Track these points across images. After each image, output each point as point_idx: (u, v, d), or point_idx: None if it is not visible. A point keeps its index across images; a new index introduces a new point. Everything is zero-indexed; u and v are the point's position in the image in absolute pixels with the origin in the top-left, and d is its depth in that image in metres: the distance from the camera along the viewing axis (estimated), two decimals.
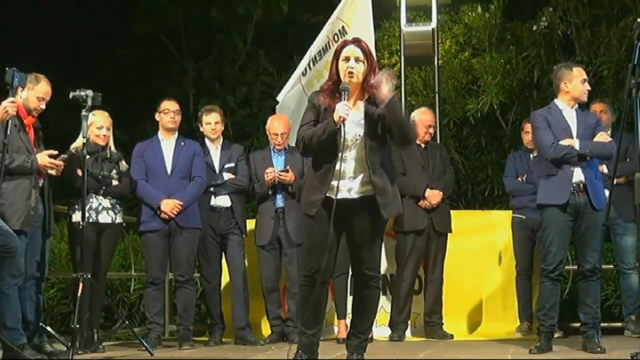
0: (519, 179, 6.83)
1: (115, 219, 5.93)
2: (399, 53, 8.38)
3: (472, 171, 9.55)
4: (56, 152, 5.27)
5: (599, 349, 5.15)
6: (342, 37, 7.11)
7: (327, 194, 4.27)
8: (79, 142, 5.61)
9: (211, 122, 6.49)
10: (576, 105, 5.43)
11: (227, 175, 6.44)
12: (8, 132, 4.89)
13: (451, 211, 6.75)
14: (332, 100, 4.30)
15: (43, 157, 5.20)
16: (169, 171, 6.20)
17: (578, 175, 5.29)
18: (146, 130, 9.16)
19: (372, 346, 5.16)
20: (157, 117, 6.35)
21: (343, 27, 7.39)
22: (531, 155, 6.84)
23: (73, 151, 5.74)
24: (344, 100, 4.22)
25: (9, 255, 4.85)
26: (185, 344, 6.07)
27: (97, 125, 5.88)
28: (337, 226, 4.23)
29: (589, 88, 5.46)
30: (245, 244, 6.57)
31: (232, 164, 6.48)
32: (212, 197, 6.39)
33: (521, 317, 6.67)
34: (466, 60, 9.86)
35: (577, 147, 5.27)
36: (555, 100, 5.48)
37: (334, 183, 4.26)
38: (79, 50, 11.41)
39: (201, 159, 6.31)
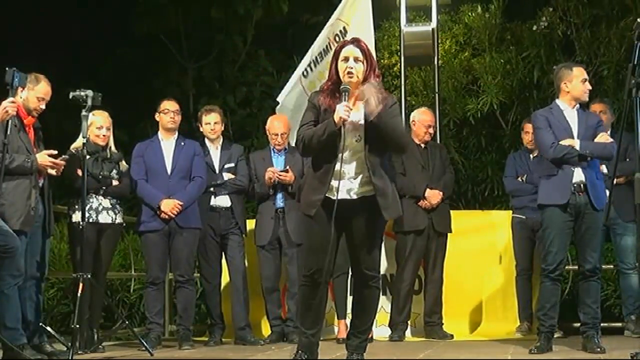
0: (519, 179, 6.83)
1: (116, 219, 5.93)
2: (399, 53, 8.38)
3: (472, 171, 9.55)
4: (56, 152, 5.27)
5: (598, 349, 5.15)
6: (343, 38, 7.11)
7: (327, 195, 4.27)
8: (79, 142, 5.61)
9: (211, 122, 6.49)
10: (577, 105, 5.43)
11: (227, 176, 6.44)
12: (8, 132, 4.89)
13: (451, 211, 6.76)
14: (332, 101, 4.30)
15: (43, 157, 5.20)
16: (169, 171, 6.20)
17: (578, 175, 5.29)
18: (146, 130, 9.15)
19: (372, 346, 5.16)
20: (157, 117, 6.35)
21: (344, 27, 7.39)
22: (531, 156, 6.84)
23: (73, 151, 5.75)
24: (345, 101, 4.22)
25: (9, 255, 4.85)
26: (185, 344, 6.07)
27: (97, 125, 5.88)
28: (336, 226, 4.23)
29: (590, 88, 5.46)
30: (245, 244, 6.57)
31: (232, 164, 6.48)
32: (212, 197, 6.39)
33: (521, 317, 6.67)
34: (466, 60, 9.86)
35: (577, 147, 5.28)
36: (557, 101, 5.48)
37: (334, 183, 4.26)
38: (79, 50, 11.41)
39: (201, 159, 6.31)
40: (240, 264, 6.45)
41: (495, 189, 9.19)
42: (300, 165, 6.30)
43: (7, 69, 4.95)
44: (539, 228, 6.31)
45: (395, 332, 6.44)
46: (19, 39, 11.07)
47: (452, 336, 6.44)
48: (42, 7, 11.34)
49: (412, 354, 5.53)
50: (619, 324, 6.72)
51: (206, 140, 6.54)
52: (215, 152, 6.51)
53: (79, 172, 5.50)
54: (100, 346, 5.84)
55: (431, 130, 6.71)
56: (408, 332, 6.62)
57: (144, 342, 5.59)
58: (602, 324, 5.50)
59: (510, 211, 6.93)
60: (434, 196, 6.48)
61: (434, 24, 7.93)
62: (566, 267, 6.15)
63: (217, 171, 6.45)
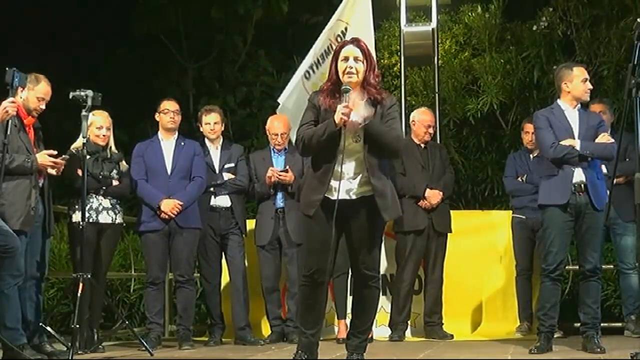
0: (519, 179, 6.83)
1: (116, 219, 5.93)
2: (399, 53, 8.38)
3: (472, 171, 9.55)
4: (56, 153, 5.27)
5: (598, 349, 5.15)
6: (344, 39, 7.11)
7: (326, 195, 4.28)
8: (79, 142, 5.62)
9: (210, 122, 6.49)
10: (579, 105, 5.43)
11: (227, 176, 6.45)
12: (8, 132, 4.89)
13: (451, 211, 6.76)
14: (332, 101, 4.30)
15: (43, 157, 5.20)
16: (169, 171, 6.20)
17: (579, 175, 5.29)
18: (146, 130, 9.15)
19: (372, 346, 5.16)
20: (157, 117, 6.35)
21: (346, 27, 7.39)
22: (531, 156, 6.84)
23: (73, 151, 5.75)
24: (346, 101, 4.22)
25: (9, 255, 4.85)
26: (185, 344, 6.07)
27: (97, 125, 5.88)
28: (336, 227, 4.23)
29: (591, 87, 5.46)
30: (245, 244, 6.57)
31: (232, 164, 6.49)
32: (212, 197, 6.39)
33: (521, 317, 6.67)
34: (466, 60, 9.86)
35: (577, 147, 5.28)
36: (558, 101, 5.49)
37: (333, 184, 4.26)
38: (79, 50, 11.41)
39: (201, 159, 6.31)
40: (240, 264, 6.45)
41: (495, 189, 9.18)
42: (300, 165, 6.30)
43: (7, 69, 4.95)
44: (539, 228, 6.33)
45: (395, 332, 6.44)
46: (19, 39, 11.07)
47: (452, 336, 6.44)
48: (42, 7, 11.35)
49: (412, 354, 5.53)
50: (619, 324, 6.72)
51: (206, 140, 6.54)
52: (215, 152, 6.51)
53: (79, 172, 5.50)
54: (100, 346, 5.83)
55: (431, 130, 6.71)
56: (408, 332, 6.62)
57: (144, 342, 5.59)
58: (602, 324, 5.50)
59: (510, 211, 6.93)
60: (434, 196, 6.48)
61: (434, 24, 7.93)
62: (566, 267, 6.15)
63: (217, 171, 6.45)
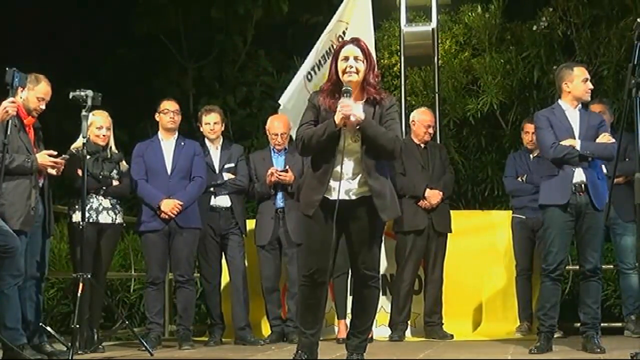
0: (519, 179, 6.83)
1: (116, 219, 5.93)
2: (399, 53, 8.38)
3: (472, 171, 9.55)
4: (55, 153, 5.27)
5: (598, 350, 5.15)
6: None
7: (325, 195, 4.28)
8: (79, 142, 5.62)
9: (210, 122, 6.49)
10: (579, 105, 5.43)
11: (227, 176, 6.45)
12: (8, 132, 4.89)
13: (451, 211, 6.76)
14: (332, 101, 4.30)
15: (43, 157, 5.20)
16: (169, 171, 6.20)
17: (579, 175, 5.29)
18: (146, 130, 9.15)
19: (372, 346, 5.16)
20: (156, 117, 6.36)
21: (347, 27, 7.38)
22: (531, 156, 6.84)
23: (74, 151, 5.75)
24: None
25: (9, 255, 4.85)
26: (185, 344, 6.07)
27: (97, 125, 5.88)
28: (336, 227, 4.23)
29: (591, 87, 5.46)
30: (245, 244, 6.57)
31: (232, 164, 6.49)
32: (212, 197, 6.39)
33: (521, 317, 6.67)
34: (466, 60, 9.86)
35: (578, 147, 5.28)
36: (559, 101, 5.49)
37: (332, 184, 4.27)
38: (79, 50, 11.41)
39: (201, 159, 6.32)
40: (240, 264, 6.45)
41: (495, 189, 9.18)
42: (300, 165, 6.30)
43: (7, 69, 4.95)
44: (539, 228, 6.34)
45: (395, 332, 6.44)
46: (19, 39, 11.07)
47: (452, 336, 6.44)
48: (42, 7, 11.35)
49: (412, 354, 5.53)
50: (619, 324, 6.72)
51: (206, 140, 6.55)
52: (215, 152, 6.51)
53: (79, 172, 5.50)
54: (100, 346, 5.83)
55: (431, 130, 6.71)
56: (408, 332, 6.62)
57: (144, 342, 5.59)
58: (602, 324, 5.50)
59: (510, 211, 6.93)
60: (433, 196, 6.48)
61: (434, 24, 7.93)
62: (566, 267, 6.16)
63: (217, 171, 6.45)
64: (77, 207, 5.66)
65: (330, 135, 4.24)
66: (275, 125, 6.60)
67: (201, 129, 6.58)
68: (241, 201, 6.60)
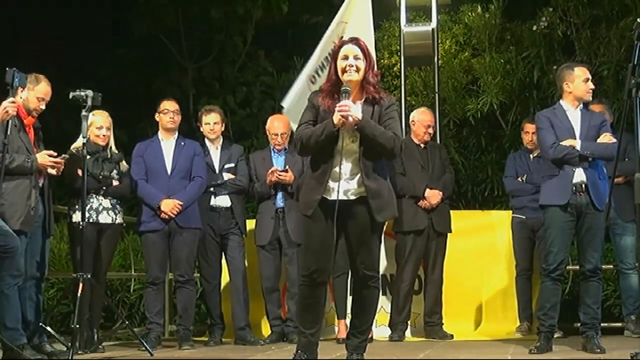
0: (519, 179, 6.83)
1: (116, 219, 5.93)
2: (399, 53, 8.38)
3: (472, 171, 9.55)
4: (55, 154, 5.27)
5: (598, 350, 5.15)
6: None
7: (324, 195, 4.28)
8: (79, 142, 5.61)
9: (210, 122, 6.49)
10: (581, 106, 5.44)
11: (227, 176, 6.45)
12: (8, 132, 4.89)
13: (451, 211, 6.76)
14: (331, 102, 4.30)
15: (43, 157, 5.20)
16: (169, 171, 6.20)
17: (579, 175, 5.29)
18: (146, 130, 9.15)
19: (372, 346, 5.16)
20: (156, 117, 6.36)
21: (346, 27, 7.36)
22: (531, 156, 6.84)
23: (73, 151, 5.75)
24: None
25: (9, 255, 4.85)
26: (185, 344, 6.07)
27: (97, 125, 5.88)
28: (337, 227, 4.23)
29: (593, 87, 5.46)
30: (245, 244, 6.57)
31: (232, 164, 6.49)
32: (212, 197, 6.39)
33: (521, 317, 6.67)
34: (466, 60, 9.86)
35: (578, 147, 5.28)
36: (560, 101, 5.50)
37: (331, 184, 4.27)
38: (79, 50, 11.41)
39: (201, 159, 6.32)
40: (240, 264, 6.45)
41: (495, 189, 9.18)
42: (300, 165, 6.30)
43: (7, 69, 4.95)
44: (539, 228, 6.34)
45: (395, 332, 6.44)
46: (19, 39, 11.08)
47: (452, 336, 6.44)
48: (42, 7, 11.35)
49: (412, 354, 5.53)
50: (619, 324, 6.73)
51: (206, 140, 6.55)
52: (215, 152, 6.51)
53: (79, 172, 5.50)
54: (100, 346, 5.84)
55: (431, 130, 6.71)
56: (408, 332, 6.62)
57: (144, 342, 5.59)
58: (602, 324, 5.50)
59: (510, 211, 6.93)
60: (433, 196, 6.48)
61: (434, 24, 7.93)
62: (566, 267, 6.16)
63: (217, 171, 6.45)
64: (77, 207, 5.66)
65: (328, 136, 4.25)
66: (275, 125, 6.60)
67: (201, 129, 6.58)
68: (241, 201, 6.60)
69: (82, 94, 5.40)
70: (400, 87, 8.11)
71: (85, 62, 11.27)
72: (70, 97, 5.40)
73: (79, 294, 5.21)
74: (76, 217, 5.69)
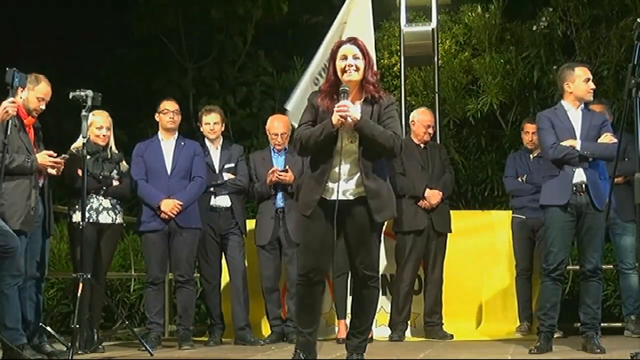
0: (519, 179, 6.83)
1: (116, 219, 5.93)
2: (399, 53, 8.38)
3: (472, 171, 9.55)
4: (55, 154, 5.27)
5: (598, 350, 5.15)
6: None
7: (323, 195, 4.28)
8: (79, 142, 5.61)
9: (210, 122, 6.49)
10: (582, 106, 5.44)
11: (227, 176, 6.45)
12: (8, 132, 4.89)
13: (451, 211, 6.76)
14: (331, 102, 4.31)
15: (43, 157, 5.20)
16: (169, 171, 6.21)
17: (580, 175, 5.29)
18: (146, 130, 9.15)
19: (372, 346, 5.16)
20: (156, 117, 6.36)
21: (345, 27, 7.35)
22: (531, 156, 6.84)
23: (74, 151, 5.75)
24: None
25: (9, 256, 4.85)
26: (185, 344, 6.07)
27: (97, 126, 5.89)
28: (335, 227, 4.23)
29: (593, 87, 5.46)
30: (245, 244, 6.57)
31: (232, 164, 6.49)
32: (212, 197, 6.39)
33: (521, 317, 6.67)
34: (466, 61, 9.86)
35: (578, 147, 5.28)
36: (562, 101, 5.50)
37: (330, 184, 4.27)
38: (79, 50, 11.41)
39: (201, 159, 6.32)
40: (240, 264, 6.45)
41: (495, 189, 9.18)
42: (300, 165, 6.30)
43: (7, 69, 4.95)
44: (539, 228, 6.34)
45: (395, 332, 6.44)
46: (19, 38, 11.07)
47: (452, 336, 6.44)
48: (42, 7, 11.34)
49: (412, 354, 5.53)
50: (619, 324, 6.73)
51: (206, 140, 6.55)
52: (215, 152, 6.51)
53: (79, 172, 5.50)
54: (100, 346, 5.84)
55: (430, 130, 6.71)
56: (408, 332, 6.62)
57: (144, 342, 5.59)
58: (602, 324, 5.51)
59: (510, 211, 6.93)
60: (433, 196, 6.48)
61: (434, 24, 7.93)
62: (566, 267, 6.15)
63: (217, 171, 6.45)
64: (77, 207, 5.66)
65: (327, 136, 4.25)
66: (275, 125, 6.60)
67: (201, 129, 6.59)
68: (241, 201, 6.60)
69: (82, 94, 5.40)
70: (400, 87, 8.11)
71: (85, 62, 11.27)
72: (70, 97, 5.40)
73: (79, 294, 5.21)
74: (76, 217, 5.69)
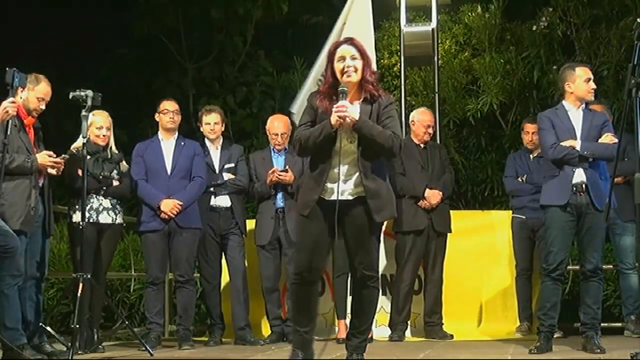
0: (519, 179, 6.83)
1: (116, 219, 5.93)
2: (399, 53, 8.38)
3: (472, 171, 9.55)
4: (54, 155, 5.27)
5: (598, 350, 5.15)
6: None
7: (321, 195, 4.29)
8: (79, 142, 5.61)
9: (210, 122, 6.49)
10: (583, 106, 5.44)
11: (227, 176, 6.45)
12: (8, 132, 4.89)
13: (451, 211, 6.76)
14: (329, 103, 4.31)
15: (43, 157, 5.21)
16: (169, 171, 6.21)
17: (579, 175, 5.30)
18: (146, 130, 9.15)
19: (372, 346, 5.16)
20: (156, 117, 6.36)
21: (345, 27, 7.34)
22: (531, 156, 6.84)
23: (74, 151, 5.75)
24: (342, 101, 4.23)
25: (9, 256, 4.85)
26: (185, 344, 6.07)
27: (97, 126, 5.89)
28: (333, 227, 4.24)
29: (594, 87, 5.46)
30: (245, 244, 6.57)
31: (232, 164, 6.49)
32: (212, 197, 6.40)
33: (521, 317, 6.67)
34: (466, 61, 9.86)
35: (578, 147, 5.28)
36: (563, 102, 5.50)
37: (329, 184, 4.28)
38: (79, 50, 11.40)
39: (201, 159, 6.32)
40: (240, 264, 6.45)
41: (495, 189, 9.18)
42: (300, 165, 6.30)
43: (7, 69, 4.95)
44: (539, 228, 6.34)
45: (395, 332, 6.44)
46: (19, 39, 11.07)
47: (452, 336, 6.44)
48: (42, 7, 11.34)
49: (412, 354, 5.53)
50: (619, 324, 6.73)
51: (206, 141, 6.55)
52: (215, 152, 6.51)
53: (79, 172, 5.50)
54: (100, 346, 5.84)
55: (430, 130, 6.71)
56: (408, 332, 6.62)
57: (144, 342, 5.59)
58: (602, 324, 5.51)
59: (510, 211, 6.93)
60: (433, 196, 6.48)
61: (434, 24, 7.93)
62: (567, 267, 6.15)
63: (217, 171, 6.45)
64: (77, 207, 5.67)
65: (326, 137, 4.25)
66: (275, 125, 6.60)
67: (201, 129, 6.59)
68: (241, 201, 6.60)
69: (82, 94, 5.40)
70: (400, 87, 8.10)
71: (85, 62, 11.27)
72: (70, 97, 5.40)
73: (79, 294, 5.21)
74: (76, 217, 5.69)
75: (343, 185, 4.28)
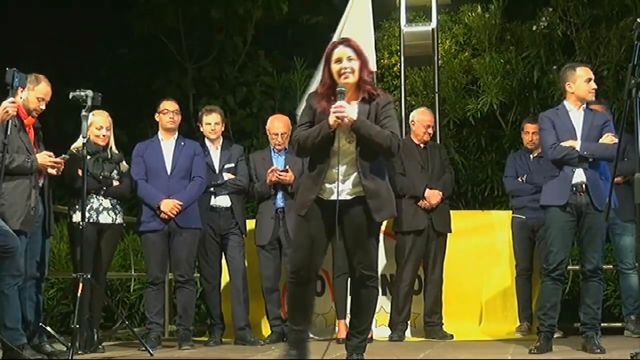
0: (519, 179, 6.83)
1: (116, 219, 5.93)
2: (399, 53, 8.38)
3: (472, 171, 9.55)
4: (54, 155, 5.27)
5: (598, 350, 5.15)
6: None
7: (319, 195, 4.29)
8: (79, 142, 5.61)
9: (211, 122, 6.49)
10: (584, 106, 5.44)
11: (227, 176, 6.45)
12: (8, 132, 4.89)
13: (451, 211, 6.76)
14: (327, 103, 4.31)
15: (43, 157, 5.21)
16: (169, 171, 6.21)
17: (579, 175, 5.30)
18: (146, 130, 9.15)
19: (372, 346, 5.17)
20: (156, 117, 6.36)
21: (344, 27, 7.34)
22: (531, 156, 6.84)
23: (74, 151, 5.75)
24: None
25: (9, 256, 4.85)
26: (185, 344, 6.07)
27: (97, 126, 5.89)
28: (331, 227, 4.24)
29: (595, 87, 5.46)
30: (245, 244, 6.57)
31: (232, 164, 6.49)
32: (212, 197, 6.40)
33: (521, 317, 6.67)
34: (466, 61, 9.87)
35: (577, 148, 5.28)
36: (564, 102, 5.51)
37: (327, 184, 4.28)
38: (79, 50, 11.40)
39: (201, 159, 6.32)
40: (240, 264, 6.45)
41: (495, 189, 9.18)
42: (300, 165, 6.29)
43: (7, 69, 4.95)
44: (539, 228, 6.34)
45: (395, 332, 6.44)
46: (19, 39, 11.07)
47: (452, 336, 6.44)
48: (42, 7, 11.34)
49: (412, 354, 5.53)
50: (619, 324, 6.73)
51: (206, 141, 6.55)
52: (215, 152, 6.51)
53: (79, 172, 5.50)
54: (100, 346, 5.84)
55: (430, 130, 6.71)
56: (408, 332, 6.62)
57: (144, 342, 5.59)
58: (602, 324, 5.50)
59: (510, 211, 6.93)
60: (433, 196, 6.48)
61: (434, 24, 7.93)
62: (567, 267, 6.15)
63: (217, 171, 6.45)
64: (77, 207, 5.66)
65: (324, 137, 4.26)
66: (275, 125, 6.60)
67: (201, 129, 6.59)
68: (241, 201, 6.60)
69: (82, 94, 5.40)
70: (400, 87, 8.10)
71: (85, 62, 11.27)
72: (70, 97, 5.40)
73: (79, 294, 5.21)
74: (76, 217, 5.69)
75: (341, 185, 4.28)
